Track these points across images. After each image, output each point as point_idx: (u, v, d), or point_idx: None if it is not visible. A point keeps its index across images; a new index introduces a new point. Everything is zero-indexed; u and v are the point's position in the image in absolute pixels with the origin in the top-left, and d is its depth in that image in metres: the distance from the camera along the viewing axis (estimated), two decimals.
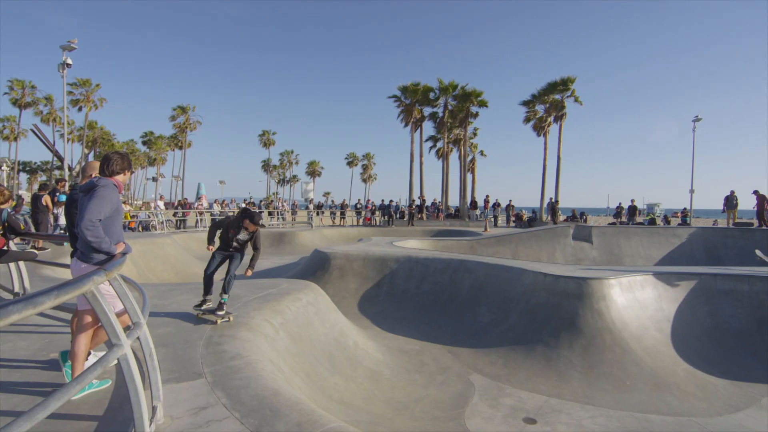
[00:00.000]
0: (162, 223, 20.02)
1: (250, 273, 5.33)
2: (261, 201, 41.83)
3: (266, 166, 64.24)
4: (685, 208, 28.74)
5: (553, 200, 27.46)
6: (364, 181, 66.47)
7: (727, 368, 7.20)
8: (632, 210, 24.76)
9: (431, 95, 31.14)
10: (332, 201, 36.70)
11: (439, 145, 37.00)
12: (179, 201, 22.71)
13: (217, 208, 23.51)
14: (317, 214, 28.63)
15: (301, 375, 5.12)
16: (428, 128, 35.78)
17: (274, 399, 3.15)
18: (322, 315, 6.95)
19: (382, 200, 29.73)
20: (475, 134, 38.58)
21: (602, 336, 7.24)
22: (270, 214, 28.52)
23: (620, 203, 26.21)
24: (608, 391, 6.23)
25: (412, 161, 30.40)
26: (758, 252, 10.36)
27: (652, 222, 26.79)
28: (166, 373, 3.60)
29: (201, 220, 21.37)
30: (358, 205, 30.83)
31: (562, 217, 27.17)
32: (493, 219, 26.97)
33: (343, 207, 29.90)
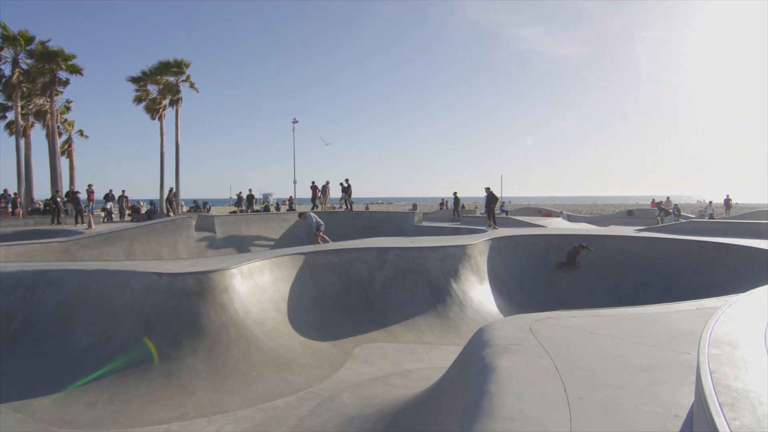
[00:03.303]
0: None
1: None
2: None
3: None
4: (291, 196, 33.69)
5: (173, 190, 25.66)
6: None
7: (329, 330, 8.45)
8: (250, 199, 26.62)
9: None
10: None
11: (10, 116, 26.98)
12: None
13: None
14: None
15: None
16: None
17: None
18: None
19: None
20: (68, 108, 30.64)
21: (227, 331, 6.86)
22: None
23: (240, 192, 27.57)
24: (236, 391, 5.88)
25: None
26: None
27: (267, 209, 29.79)
28: None
29: None
30: None
31: (185, 208, 25.84)
32: (103, 213, 22.36)
33: None
